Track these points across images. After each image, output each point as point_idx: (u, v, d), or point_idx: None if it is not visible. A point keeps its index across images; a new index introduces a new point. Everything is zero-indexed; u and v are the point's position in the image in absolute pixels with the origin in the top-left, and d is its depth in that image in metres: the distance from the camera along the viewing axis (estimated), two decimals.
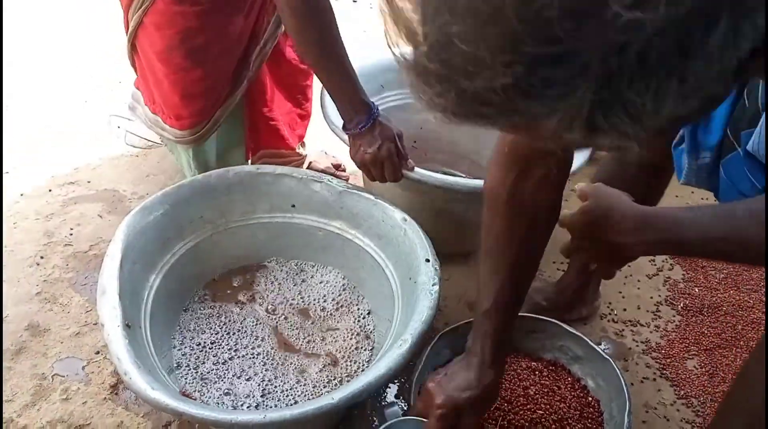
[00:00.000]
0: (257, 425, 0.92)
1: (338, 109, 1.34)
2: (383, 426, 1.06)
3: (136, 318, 1.12)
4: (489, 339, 1.03)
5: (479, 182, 1.51)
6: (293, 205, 1.41)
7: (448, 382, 1.04)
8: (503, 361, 1.08)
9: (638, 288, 1.68)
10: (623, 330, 1.55)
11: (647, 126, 0.41)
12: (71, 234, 1.64)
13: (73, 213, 1.71)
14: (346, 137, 1.37)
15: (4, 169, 1.83)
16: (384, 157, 1.32)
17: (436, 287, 1.16)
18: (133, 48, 1.50)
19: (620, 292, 1.65)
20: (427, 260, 1.21)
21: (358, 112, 1.31)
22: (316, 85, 1.69)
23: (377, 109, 1.33)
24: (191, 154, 1.57)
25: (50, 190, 1.78)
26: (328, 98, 1.54)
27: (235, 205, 1.39)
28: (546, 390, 1.21)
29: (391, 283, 1.31)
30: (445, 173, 1.64)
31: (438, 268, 1.20)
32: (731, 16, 0.37)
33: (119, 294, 1.07)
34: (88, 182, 1.81)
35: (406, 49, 0.43)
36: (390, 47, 0.45)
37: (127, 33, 1.46)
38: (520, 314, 1.33)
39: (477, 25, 0.38)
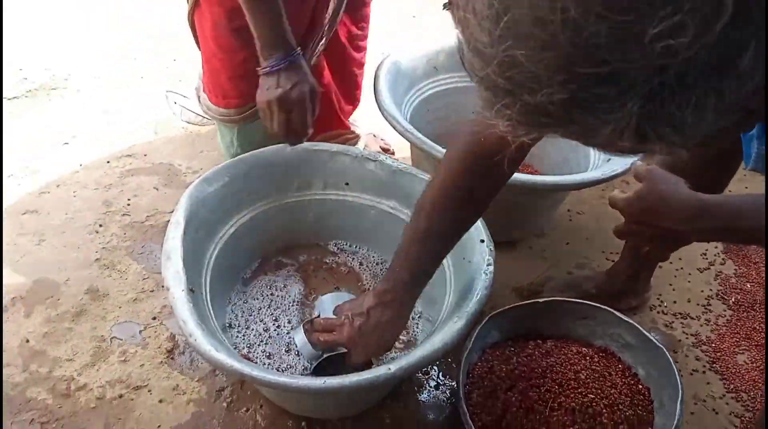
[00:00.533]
0: (317, 390, 0.94)
1: (258, 46, 1.25)
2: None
3: (197, 283, 1.15)
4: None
5: (529, 177, 1.52)
6: (347, 184, 1.43)
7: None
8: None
9: (689, 281, 1.66)
10: (673, 322, 1.54)
11: (691, 136, 0.46)
12: (129, 204, 1.69)
13: (131, 184, 1.75)
14: (398, 123, 1.37)
15: (64, 140, 1.89)
16: (294, 100, 1.22)
17: (491, 268, 1.17)
18: (192, 25, 1.52)
19: (671, 285, 1.64)
20: (482, 241, 1.21)
21: (276, 48, 1.23)
22: (367, 72, 1.71)
23: (299, 54, 1.26)
24: (235, 133, 1.58)
25: (108, 162, 1.82)
26: (381, 83, 1.55)
27: (291, 181, 1.41)
28: (597, 375, 1.21)
29: (443, 263, 1.32)
30: None
31: (492, 250, 1.21)
32: (758, 40, 0.41)
33: (183, 259, 1.09)
34: (145, 156, 1.86)
35: (478, 66, 0.48)
36: (464, 64, 0.50)
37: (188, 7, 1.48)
38: (571, 300, 1.35)
39: (536, 49, 0.43)
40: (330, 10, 1.47)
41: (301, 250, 1.50)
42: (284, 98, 1.22)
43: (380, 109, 1.50)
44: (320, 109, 1.37)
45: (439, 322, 1.19)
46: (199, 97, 1.68)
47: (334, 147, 1.41)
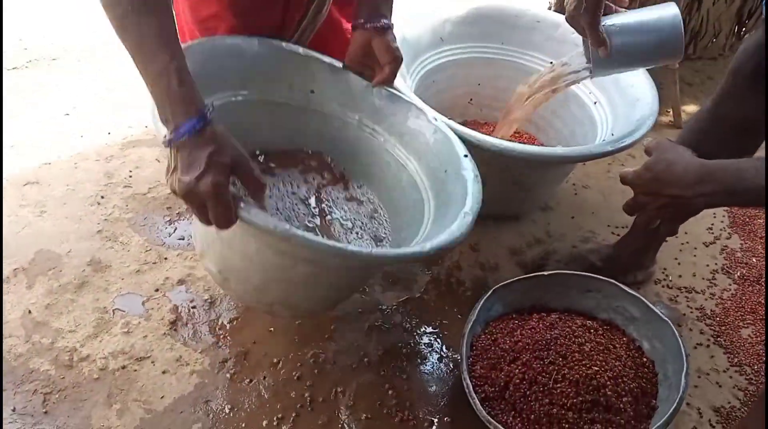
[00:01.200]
0: (362, 256, 0.95)
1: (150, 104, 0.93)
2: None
3: None
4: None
5: (537, 148, 1.50)
6: (312, 91, 1.31)
7: None
8: None
9: (694, 255, 1.65)
10: (677, 296, 1.53)
11: None
12: (130, 176, 1.67)
13: (132, 156, 1.74)
14: (403, 94, 1.30)
15: (64, 111, 1.87)
16: (203, 194, 0.86)
17: (479, 177, 1.16)
18: None
19: (676, 259, 1.63)
20: (465, 156, 1.21)
21: (174, 112, 0.88)
22: None
23: (211, 110, 0.90)
24: None
25: (109, 133, 1.81)
26: None
27: (256, 77, 1.25)
28: (601, 348, 1.20)
29: (414, 176, 1.29)
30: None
31: (477, 164, 1.20)
32: None
33: None
34: (146, 127, 1.84)
35: None
36: None
37: None
38: (576, 273, 1.34)
39: None
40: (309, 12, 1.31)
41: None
42: (189, 193, 0.87)
43: None
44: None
45: (427, 221, 1.20)
46: None
47: (307, 51, 1.28)
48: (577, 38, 1.47)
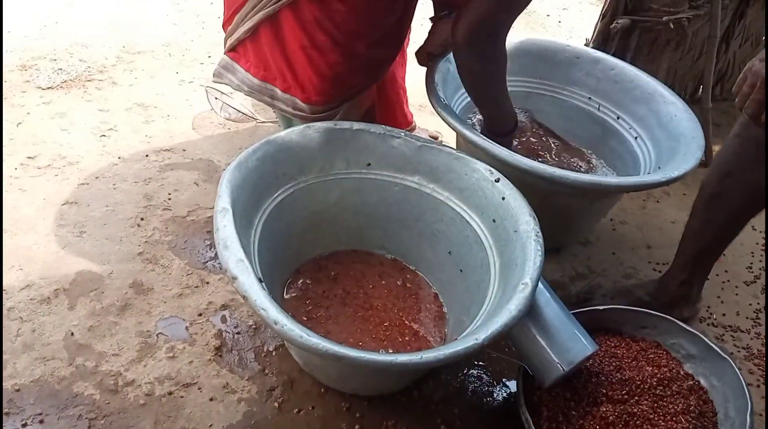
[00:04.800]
0: (414, 365, 0.94)
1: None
2: None
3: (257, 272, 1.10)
4: None
5: (589, 177, 1.50)
6: (369, 164, 1.37)
7: None
8: None
9: (736, 294, 1.64)
10: (723, 335, 1.52)
11: None
12: (169, 199, 1.66)
13: (170, 179, 1.72)
14: (450, 119, 1.42)
15: (101, 132, 1.86)
16: None
17: (540, 236, 1.15)
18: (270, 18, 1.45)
19: (719, 297, 1.62)
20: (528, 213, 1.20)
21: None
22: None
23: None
24: None
25: (147, 156, 1.79)
26: (433, 82, 1.53)
27: (315, 161, 1.34)
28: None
29: (477, 232, 1.30)
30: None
31: (537, 219, 1.19)
32: None
33: (243, 247, 1.05)
34: (183, 151, 1.83)
35: None
36: None
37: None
38: (631, 308, 1.32)
39: None
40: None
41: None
42: None
43: (433, 105, 1.48)
44: (389, 106, 1.36)
45: (493, 291, 1.19)
46: (247, 91, 1.61)
47: (356, 125, 1.35)
48: (617, 75, 1.49)
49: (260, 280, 1.02)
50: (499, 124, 1.54)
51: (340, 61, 1.39)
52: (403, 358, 0.94)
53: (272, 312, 0.94)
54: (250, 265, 1.02)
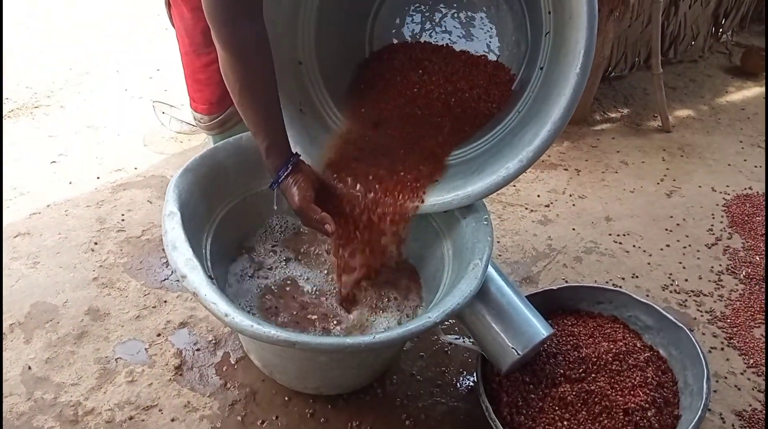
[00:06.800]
0: (367, 345, 0.93)
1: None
2: None
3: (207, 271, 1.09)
4: None
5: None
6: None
7: None
8: None
9: (698, 258, 1.64)
10: (686, 300, 1.52)
11: None
12: (123, 220, 1.64)
13: (123, 199, 1.71)
14: None
15: (51, 158, 1.84)
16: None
17: (490, 221, 1.16)
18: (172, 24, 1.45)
19: (680, 263, 1.62)
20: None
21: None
22: None
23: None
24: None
25: (98, 178, 1.78)
26: None
27: (264, 169, 1.26)
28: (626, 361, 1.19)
29: (434, 225, 1.29)
30: None
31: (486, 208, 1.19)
32: None
33: (191, 247, 1.04)
34: (135, 169, 1.81)
35: None
36: None
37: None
38: (584, 285, 1.32)
39: None
40: None
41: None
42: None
43: None
44: None
45: (448, 275, 1.18)
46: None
47: None
48: None
49: (210, 278, 1.01)
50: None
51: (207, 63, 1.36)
52: (355, 339, 0.93)
53: (222, 305, 0.94)
54: (200, 263, 1.01)
